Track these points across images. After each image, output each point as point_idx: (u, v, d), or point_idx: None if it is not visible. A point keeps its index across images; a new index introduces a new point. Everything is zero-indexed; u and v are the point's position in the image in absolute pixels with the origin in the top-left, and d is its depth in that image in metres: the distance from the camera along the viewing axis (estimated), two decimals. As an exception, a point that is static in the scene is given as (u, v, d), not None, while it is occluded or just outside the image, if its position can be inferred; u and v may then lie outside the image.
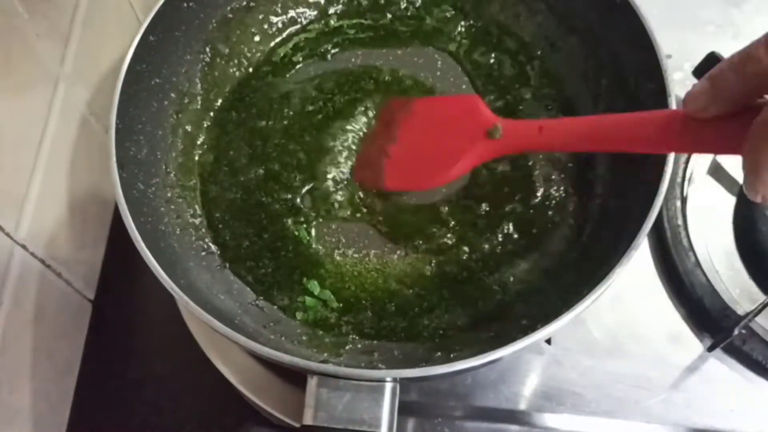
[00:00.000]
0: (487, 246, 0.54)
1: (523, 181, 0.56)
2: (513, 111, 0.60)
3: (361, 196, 0.56)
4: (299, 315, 0.53)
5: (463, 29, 0.64)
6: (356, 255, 0.54)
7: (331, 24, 0.65)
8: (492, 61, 0.62)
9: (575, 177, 0.57)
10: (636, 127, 0.42)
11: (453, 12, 0.65)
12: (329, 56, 0.63)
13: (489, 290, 0.53)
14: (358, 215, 0.56)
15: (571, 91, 0.60)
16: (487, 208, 0.55)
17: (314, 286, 0.53)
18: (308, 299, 0.53)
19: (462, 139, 0.51)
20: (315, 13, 0.66)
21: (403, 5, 0.65)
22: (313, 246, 0.55)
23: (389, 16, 0.65)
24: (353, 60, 0.63)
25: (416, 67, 0.62)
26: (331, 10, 0.66)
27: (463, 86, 0.61)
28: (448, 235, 0.55)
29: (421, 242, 0.54)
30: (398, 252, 0.54)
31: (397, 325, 0.52)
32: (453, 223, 0.55)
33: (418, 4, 0.65)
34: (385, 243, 0.55)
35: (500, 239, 0.54)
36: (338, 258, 0.54)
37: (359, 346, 0.51)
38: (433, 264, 0.54)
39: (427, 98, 0.59)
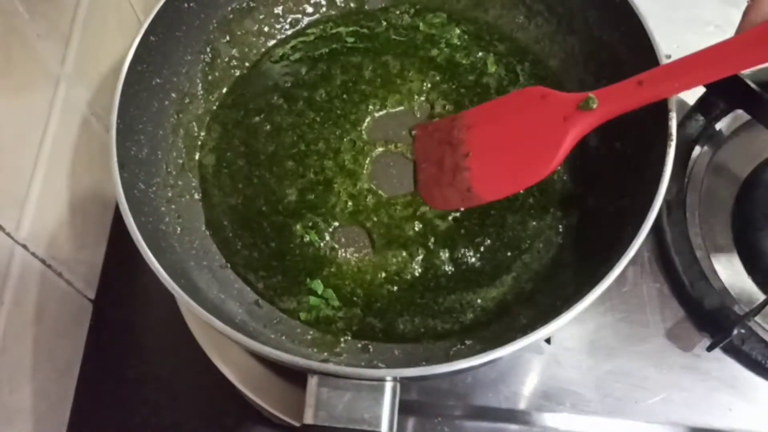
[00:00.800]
0: (486, 246, 0.54)
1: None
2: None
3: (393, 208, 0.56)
4: (303, 315, 0.53)
5: (457, 34, 0.64)
6: (356, 255, 0.55)
7: (329, 30, 0.65)
8: (488, 63, 0.62)
9: (573, 175, 0.57)
10: (741, 48, 0.43)
11: (445, 17, 0.65)
12: (329, 59, 0.63)
13: (487, 291, 0.53)
14: (360, 217, 0.56)
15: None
16: (486, 208, 0.56)
17: (318, 285, 0.53)
18: (312, 298, 0.53)
19: (551, 123, 0.50)
20: (314, 17, 0.66)
21: (398, 12, 0.66)
22: (320, 247, 0.55)
23: (384, 23, 0.65)
24: (351, 64, 0.63)
25: (412, 71, 0.62)
26: (329, 15, 0.66)
27: (462, 89, 0.61)
28: (446, 233, 0.55)
29: (416, 246, 0.54)
30: (396, 252, 0.54)
31: (384, 323, 0.52)
32: (445, 227, 0.55)
33: (412, 13, 0.65)
34: (383, 242, 0.55)
35: (499, 239, 0.55)
36: (341, 258, 0.54)
37: (359, 345, 0.51)
38: (428, 264, 0.54)
39: (480, 106, 0.57)
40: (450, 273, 0.53)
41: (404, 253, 0.54)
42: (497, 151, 0.53)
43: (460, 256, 0.54)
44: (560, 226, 0.55)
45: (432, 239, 0.54)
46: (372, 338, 0.52)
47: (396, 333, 0.52)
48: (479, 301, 0.52)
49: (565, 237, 0.55)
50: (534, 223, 0.55)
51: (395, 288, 0.53)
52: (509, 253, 0.54)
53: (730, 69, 0.45)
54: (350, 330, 0.52)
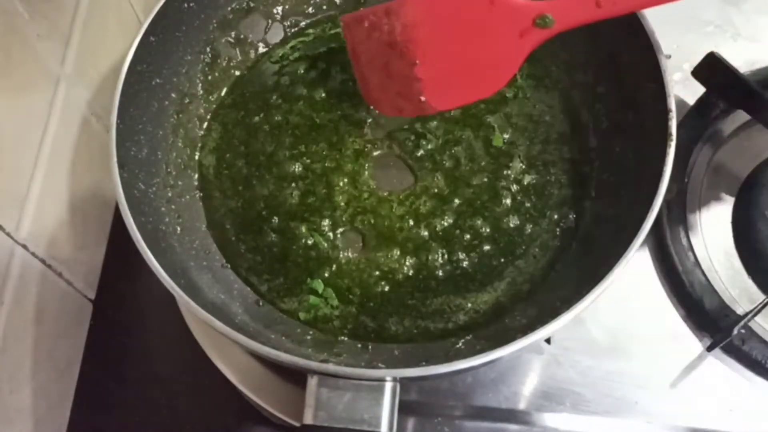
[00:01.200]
0: (480, 251, 0.54)
1: (522, 178, 0.57)
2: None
3: (365, 193, 0.56)
4: (302, 315, 0.53)
5: None
6: (355, 254, 0.55)
7: (328, 30, 0.65)
8: None
9: (573, 176, 0.57)
10: None
11: None
12: (328, 59, 0.63)
13: (484, 292, 0.53)
14: (360, 216, 0.56)
15: (570, 91, 0.60)
16: (485, 208, 0.56)
17: (318, 284, 0.53)
18: (312, 298, 0.53)
19: (506, 36, 0.49)
20: (313, 18, 0.66)
21: None
22: (323, 247, 0.55)
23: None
24: (350, 63, 0.63)
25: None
26: (328, 15, 0.66)
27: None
28: (442, 235, 0.55)
29: (411, 245, 0.54)
30: (390, 252, 0.54)
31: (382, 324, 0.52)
32: (442, 228, 0.55)
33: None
34: (382, 242, 0.55)
35: (495, 243, 0.55)
36: (341, 257, 0.54)
37: (359, 345, 0.51)
38: (420, 265, 0.54)
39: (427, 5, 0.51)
40: (440, 276, 0.53)
41: (398, 253, 0.54)
42: (448, 61, 0.51)
43: (453, 259, 0.54)
44: (557, 230, 0.55)
45: (428, 240, 0.54)
46: (365, 338, 0.52)
47: (388, 333, 0.52)
48: (470, 305, 0.52)
49: (562, 240, 0.54)
50: (530, 227, 0.55)
51: (387, 288, 0.53)
52: (503, 259, 0.54)
53: None
54: (346, 328, 0.52)
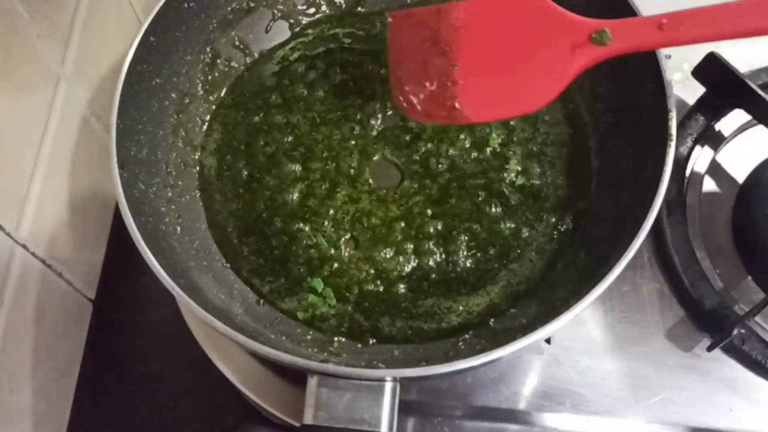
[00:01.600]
0: (474, 256, 0.54)
1: (519, 181, 0.57)
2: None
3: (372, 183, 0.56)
4: (300, 314, 0.53)
5: None
6: (355, 253, 0.55)
7: (327, 31, 0.65)
8: None
9: (571, 177, 0.57)
10: None
11: None
12: (327, 59, 0.64)
13: (481, 293, 0.53)
14: (360, 216, 0.56)
15: (569, 91, 0.60)
16: (480, 211, 0.56)
17: (318, 283, 0.53)
18: (311, 296, 0.53)
19: (557, 49, 0.45)
20: (313, 18, 0.66)
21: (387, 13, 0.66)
22: (323, 247, 0.55)
23: (379, 24, 0.65)
24: (349, 63, 0.63)
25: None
26: (328, 16, 0.66)
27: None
28: (437, 237, 0.55)
29: (410, 245, 0.54)
30: (387, 251, 0.54)
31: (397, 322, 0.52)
32: (438, 229, 0.55)
33: None
34: (380, 241, 0.55)
35: (492, 246, 0.54)
36: (341, 256, 0.54)
37: (358, 346, 0.51)
38: (415, 265, 0.54)
39: (471, 1, 0.49)
40: (433, 278, 0.53)
41: (394, 253, 0.54)
42: (490, 68, 0.48)
43: (447, 261, 0.54)
44: (555, 233, 0.55)
45: (422, 241, 0.54)
46: (361, 337, 0.52)
47: (382, 333, 0.52)
48: (461, 307, 0.52)
49: (560, 243, 0.54)
50: (527, 230, 0.55)
51: (381, 288, 0.53)
52: (496, 264, 0.54)
53: (759, 26, 0.40)
54: (342, 327, 0.52)
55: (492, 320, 0.51)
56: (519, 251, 0.54)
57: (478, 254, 0.54)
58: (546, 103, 0.47)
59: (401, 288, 0.53)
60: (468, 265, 0.54)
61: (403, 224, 0.55)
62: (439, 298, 0.52)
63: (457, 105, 0.49)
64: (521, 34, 0.47)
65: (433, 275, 0.53)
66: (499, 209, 0.55)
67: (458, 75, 0.49)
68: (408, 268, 0.54)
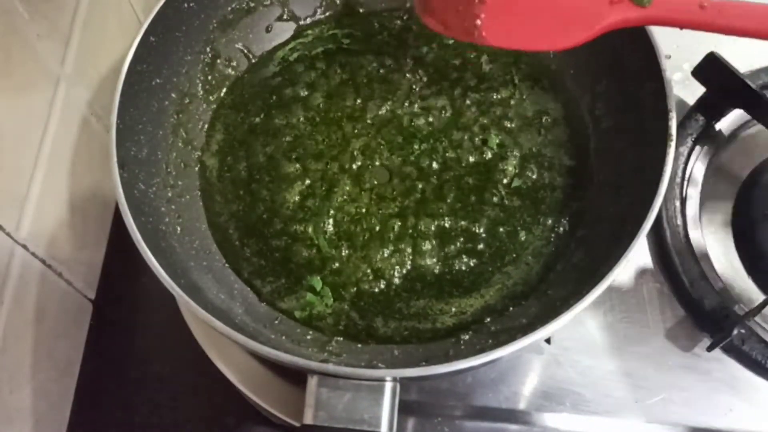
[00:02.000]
0: (468, 260, 0.54)
1: (515, 183, 0.57)
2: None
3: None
4: (297, 313, 0.53)
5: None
6: (353, 252, 0.55)
7: (326, 32, 0.66)
8: (482, 62, 0.62)
9: (571, 178, 0.57)
10: None
11: None
12: (326, 59, 0.64)
13: (478, 294, 0.53)
14: (360, 215, 0.56)
15: (569, 91, 0.60)
16: (477, 212, 0.56)
17: (317, 282, 0.53)
18: (309, 295, 0.53)
19: None
20: (312, 19, 0.66)
21: (385, 14, 0.66)
22: (323, 247, 0.55)
23: (377, 25, 0.65)
24: (348, 63, 0.63)
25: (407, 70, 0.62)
26: (327, 17, 0.66)
27: (456, 91, 0.61)
28: (433, 239, 0.55)
29: (405, 244, 0.55)
30: (384, 251, 0.54)
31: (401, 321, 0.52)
32: (435, 229, 0.55)
33: (405, 17, 0.65)
34: (376, 241, 0.55)
35: (488, 247, 0.54)
36: (341, 256, 0.54)
37: (358, 346, 0.51)
38: (412, 266, 0.54)
39: None
40: (428, 279, 0.53)
41: (390, 253, 0.54)
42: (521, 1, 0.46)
43: (443, 263, 0.54)
44: (552, 236, 0.55)
45: (419, 241, 0.54)
46: (357, 337, 0.52)
47: (378, 333, 0.52)
48: (453, 309, 0.52)
49: (557, 246, 0.54)
50: (524, 233, 0.55)
51: (377, 288, 0.53)
52: (491, 267, 0.54)
53: None
54: (339, 326, 0.52)
55: (489, 320, 0.51)
56: (515, 255, 0.54)
57: (474, 257, 0.54)
58: (569, 45, 0.46)
59: (396, 288, 0.53)
60: (463, 267, 0.53)
61: (400, 224, 0.55)
62: (431, 299, 0.52)
63: (479, 22, 0.47)
64: None
65: (428, 277, 0.53)
66: (495, 212, 0.55)
67: None
68: (404, 269, 0.54)
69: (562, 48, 0.47)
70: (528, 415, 0.57)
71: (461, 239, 0.54)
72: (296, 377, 0.52)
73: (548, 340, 0.58)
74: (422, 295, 0.53)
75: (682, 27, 0.45)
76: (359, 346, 0.51)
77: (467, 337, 0.50)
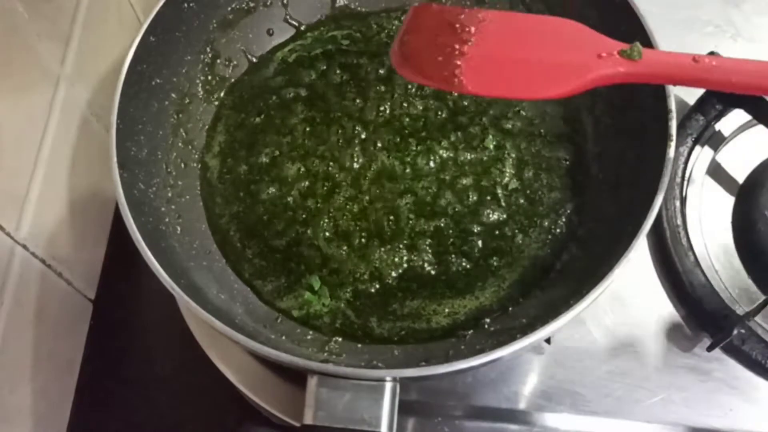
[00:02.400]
0: (464, 262, 0.54)
1: (513, 184, 0.57)
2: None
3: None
4: (295, 313, 0.53)
5: None
6: (351, 252, 0.55)
7: (325, 33, 0.66)
8: None
9: (570, 179, 0.57)
10: None
11: None
12: (326, 60, 0.64)
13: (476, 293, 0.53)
14: (357, 217, 0.56)
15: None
16: (475, 213, 0.56)
17: (315, 281, 0.53)
18: (307, 294, 0.53)
19: (581, 52, 0.44)
20: (312, 20, 0.66)
21: (383, 15, 0.66)
22: (323, 247, 0.55)
23: (375, 26, 0.66)
24: (348, 64, 0.63)
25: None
26: (327, 17, 0.66)
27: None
28: (429, 239, 0.55)
29: (404, 243, 0.55)
30: (383, 250, 0.54)
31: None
32: (433, 229, 0.55)
33: (403, 18, 0.66)
34: (374, 241, 0.55)
35: (486, 248, 0.54)
36: (341, 255, 0.54)
37: (358, 346, 0.51)
38: (408, 266, 0.54)
39: (503, 12, 0.49)
40: (423, 279, 0.53)
41: (387, 253, 0.54)
42: (507, 50, 0.46)
43: (439, 264, 0.54)
44: (549, 238, 0.55)
45: (416, 241, 0.54)
46: (354, 336, 0.52)
47: (374, 333, 0.52)
48: (447, 310, 0.52)
49: (555, 248, 0.54)
50: (521, 236, 0.55)
51: (373, 288, 0.53)
52: (486, 269, 0.54)
53: None
54: (335, 325, 0.52)
55: (487, 321, 0.51)
56: (511, 257, 0.54)
57: (469, 258, 0.54)
58: (553, 96, 0.45)
59: (391, 288, 0.53)
60: (459, 269, 0.53)
61: (398, 225, 0.55)
62: (424, 300, 0.53)
63: (459, 71, 0.45)
64: (549, 36, 0.46)
65: (424, 277, 0.53)
66: (493, 213, 0.55)
67: (470, 50, 0.46)
68: (400, 269, 0.54)
69: (545, 98, 0.47)
70: (528, 415, 0.57)
71: (458, 240, 0.54)
72: (296, 377, 0.52)
73: (548, 340, 0.58)
74: (417, 296, 0.53)
75: (675, 83, 0.44)
76: (359, 346, 0.51)
77: (467, 337, 0.50)
